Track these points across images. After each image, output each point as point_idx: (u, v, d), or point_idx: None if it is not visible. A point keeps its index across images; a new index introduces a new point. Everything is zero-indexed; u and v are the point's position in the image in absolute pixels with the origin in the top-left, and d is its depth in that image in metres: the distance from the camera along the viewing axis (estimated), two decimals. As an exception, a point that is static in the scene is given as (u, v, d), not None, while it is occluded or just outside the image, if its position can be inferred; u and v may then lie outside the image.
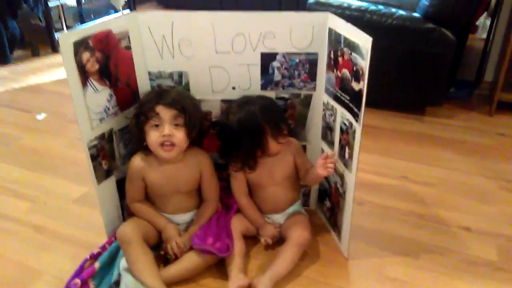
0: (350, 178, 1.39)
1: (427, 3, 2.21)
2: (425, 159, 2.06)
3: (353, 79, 1.28)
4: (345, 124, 1.37)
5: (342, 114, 1.38)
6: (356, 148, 1.31)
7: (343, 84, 1.35)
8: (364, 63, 1.20)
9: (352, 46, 1.25)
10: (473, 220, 1.67)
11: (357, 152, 1.31)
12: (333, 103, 1.43)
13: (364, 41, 1.19)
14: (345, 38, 1.29)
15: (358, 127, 1.28)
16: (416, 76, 2.35)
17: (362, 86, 1.23)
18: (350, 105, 1.32)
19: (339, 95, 1.38)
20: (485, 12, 3.57)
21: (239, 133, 1.39)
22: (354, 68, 1.26)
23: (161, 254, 1.45)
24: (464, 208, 1.74)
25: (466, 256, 1.50)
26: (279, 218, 1.56)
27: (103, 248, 1.46)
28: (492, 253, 1.51)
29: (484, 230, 1.62)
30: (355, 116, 1.29)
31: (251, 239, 1.54)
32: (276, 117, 1.42)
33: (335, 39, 1.35)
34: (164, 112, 1.36)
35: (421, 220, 1.68)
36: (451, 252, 1.52)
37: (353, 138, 1.32)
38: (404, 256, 1.50)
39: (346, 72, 1.31)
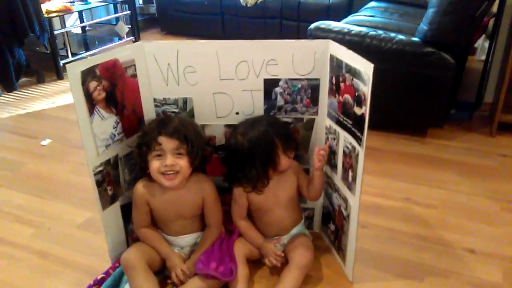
0: (354, 201, 1.40)
1: (426, 28, 2.26)
2: (427, 180, 2.07)
3: (355, 104, 1.31)
4: (347, 148, 1.39)
5: (344, 138, 1.40)
6: (359, 171, 1.33)
7: (345, 109, 1.37)
8: (366, 89, 1.23)
9: (354, 72, 1.28)
10: (477, 242, 1.67)
11: (360, 176, 1.33)
12: (335, 127, 1.45)
13: (365, 67, 1.21)
14: (346, 64, 1.32)
15: (361, 151, 1.30)
16: (416, 98, 2.37)
17: (364, 110, 1.26)
18: (353, 129, 1.34)
19: (341, 119, 1.40)
20: (484, 35, 3.63)
21: (251, 152, 1.41)
22: (356, 94, 1.29)
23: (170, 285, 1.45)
24: (468, 229, 1.74)
25: (470, 278, 1.50)
26: (283, 240, 1.56)
27: (107, 273, 1.47)
28: (497, 275, 1.51)
29: (488, 252, 1.62)
30: (358, 140, 1.31)
31: (254, 264, 1.54)
32: (284, 131, 1.46)
33: (336, 65, 1.38)
34: (166, 143, 1.37)
35: (425, 242, 1.68)
36: (455, 274, 1.52)
37: (356, 162, 1.34)
38: (408, 279, 1.50)
39: (348, 97, 1.34)
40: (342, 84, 1.36)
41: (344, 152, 1.42)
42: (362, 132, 1.28)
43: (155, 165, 1.38)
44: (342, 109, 1.39)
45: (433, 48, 2.22)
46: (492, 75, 2.74)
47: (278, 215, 1.53)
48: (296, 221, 1.59)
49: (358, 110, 1.29)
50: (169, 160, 1.37)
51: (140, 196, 1.47)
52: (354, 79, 1.28)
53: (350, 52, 1.30)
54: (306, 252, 1.46)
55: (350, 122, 1.35)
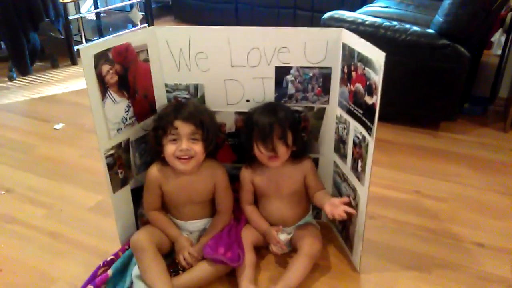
0: (363, 192, 1.39)
1: (441, 20, 2.23)
2: (438, 174, 2.06)
3: (366, 93, 1.30)
4: (358, 138, 1.39)
5: (355, 128, 1.40)
6: (369, 161, 1.32)
7: (356, 98, 1.36)
8: (377, 78, 1.22)
9: (366, 61, 1.27)
10: (486, 236, 1.66)
11: (369, 166, 1.32)
12: (346, 116, 1.45)
13: (377, 56, 1.20)
14: (359, 53, 1.31)
15: (371, 141, 1.30)
16: (430, 91, 2.35)
17: (375, 100, 1.25)
18: (363, 118, 1.33)
19: (352, 108, 1.40)
20: (500, 29, 3.57)
21: (248, 126, 1.47)
22: (368, 83, 1.28)
23: (176, 268, 1.46)
24: (477, 223, 1.73)
25: (479, 272, 1.49)
26: (288, 230, 1.56)
27: (116, 255, 1.49)
28: (506, 270, 1.50)
29: (498, 246, 1.61)
30: (368, 129, 1.31)
31: (262, 250, 1.55)
32: (265, 128, 1.41)
33: (348, 54, 1.37)
34: (182, 127, 1.38)
35: (434, 235, 1.67)
36: (464, 268, 1.51)
37: (366, 152, 1.34)
38: (416, 271, 1.50)
39: (359, 86, 1.33)
40: (353, 73, 1.35)
41: (354, 142, 1.42)
42: (372, 122, 1.27)
43: (170, 149, 1.40)
44: (354, 99, 1.38)
45: (448, 41, 2.19)
46: (507, 70, 2.70)
47: (279, 205, 1.53)
48: (300, 216, 1.58)
49: (369, 100, 1.28)
50: (184, 144, 1.38)
51: (154, 179, 1.48)
52: (366, 68, 1.27)
53: (362, 40, 1.29)
54: (316, 242, 1.47)
55: (361, 112, 1.34)
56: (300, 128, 1.55)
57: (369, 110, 1.29)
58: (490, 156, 2.22)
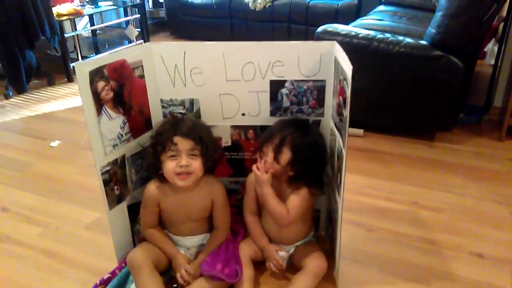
0: (339, 202, 1.38)
1: (434, 31, 2.25)
2: (435, 184, 2.06)
3: (344, 106, 1.30)
4: (339, 150, 1.38)
5: (338, 140, 1.39)
6: (343, 172, 1.30)
7: (339, 111, 1.36)
8: (348, 91, 1.22)
9: (344, 74, 1.27)
10: (485, 246, 1.65)
11: (343, 175, 1.30)
12: (335, 129, 1.45)
13: (348, 69, 1.20)
14: (341, 67, 1.31)
15: (344, 151, 1.29)
16: (425, 102, 2.36)
17: (346, 112, 1.25)
18: (342, 130, 1.33)
19: (337, 121, 1.40)
20: (493, 39, 3.61)
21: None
22: (344, 96, 1.28)
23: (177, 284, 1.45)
24: (476, 234, 1.72)
25: (478, 283, 1.48)
26: (287, 248, 1.54)
27: (113, 273, 1.47)
28: (505, 280, 1.49)
29: (497, 257, 1.60)
30: (344, 141, 1.30)
31: (260, 265, 1.54)
32: (279, 142, 1.39)
33: (337, 67, 1.38)
34: (182, 143, 1.38)
35: (432, 246, 1.66)
36: (463, 279, 1.50)
37: (342, 163, 1.32)
38: (415, 283, 1.49)
39: (341, 99, 1.33)
40: (339, 86, 1.36)
41: (337, 155, 1.41)
42: (345, 133, 1.26)
43: (170, 165, 1.39)
44: (338, 111, 1.38)
45: (441, 52, 2.21)
46: (501, 79, 2.72)
47: None
48: (299, 236, 1.54)
49: (344, 112, 1.28)
50: (184, 160, 1.37)
51: (152, 197, 1.48)
52: (344, 81, 1.28)
53: (343, 54, 1.28)
54: (322, 260, 1.45)
55: (341, 124, 1.34)
56: (311, 160, 1.44)
57: (344, 122, 1.29)
58: (487, 165, 2.22)
